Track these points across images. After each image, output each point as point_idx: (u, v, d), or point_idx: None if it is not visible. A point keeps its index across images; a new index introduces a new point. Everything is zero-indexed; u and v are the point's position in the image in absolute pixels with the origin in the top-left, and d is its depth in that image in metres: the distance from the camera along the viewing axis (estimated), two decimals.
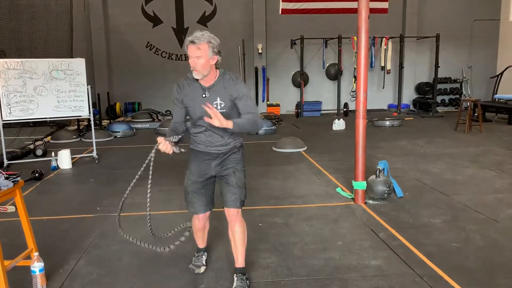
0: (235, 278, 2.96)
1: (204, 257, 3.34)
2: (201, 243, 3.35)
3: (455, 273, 3.15)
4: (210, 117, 2.58)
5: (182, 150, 2.75)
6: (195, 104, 2.77)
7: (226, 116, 2.65)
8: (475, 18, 15.08)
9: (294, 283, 3.05)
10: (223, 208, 2.95)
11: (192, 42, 2.63)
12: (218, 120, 2.55)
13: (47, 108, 6.84)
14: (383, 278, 3.10)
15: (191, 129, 2.94)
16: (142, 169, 2.74)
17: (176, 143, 2.72)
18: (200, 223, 3.10)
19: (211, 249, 3.63)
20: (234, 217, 2.91)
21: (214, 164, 2.91)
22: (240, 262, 2.97)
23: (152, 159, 2.74)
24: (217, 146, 2.87)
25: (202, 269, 3.26)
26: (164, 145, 2.67)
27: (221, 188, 2.95)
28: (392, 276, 3.13)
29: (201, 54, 2.63)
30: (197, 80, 2.78)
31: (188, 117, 2.93)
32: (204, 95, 2.75)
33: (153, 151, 2.73)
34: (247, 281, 2.96)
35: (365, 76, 4.60)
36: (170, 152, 2.71)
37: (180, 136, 2.78)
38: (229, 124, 2.59)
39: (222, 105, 2.76)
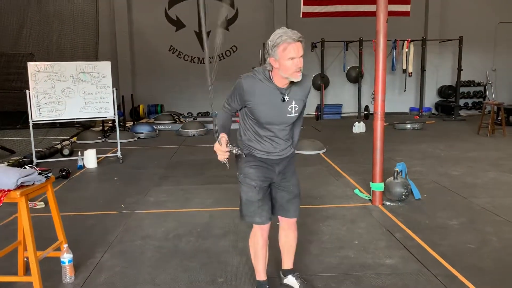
0: (294, 279, 3.00)
1: None
2: (263, 269, 2.89)
3: (470, 273, 3.19)
4: (285, 124, 2.59)
5: (239, 152, 2.62)
6: (272, 108, 2.52)
7: (296, 119, 2.64)
8: (499, 21, 14.87)
9: (310, 279, 3.13)
10: (280, 216, 2.87)
11: (299, 40, 2.41)
12: None
13: (74, 109, 7.09)
14: (397, 276, 3.17)
15: (253, 133, 2.65)
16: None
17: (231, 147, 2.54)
18: (264, 235, 2.78)
19: (231, 246, 3.75)
20: (293, 225, 2.91)
21: (278, 170, 2.71)
22: (291, 264, 3.03)
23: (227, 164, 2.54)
24: (279, 152, 2.68)
25: None
26: (223, 156, 2.48)
27: (278, 196, 2.78)
28: (406, 275, 3.19)
29: (303, 52, 2.44)
30: (270, 80, 2.52)
31: (251, 119, 2.61)
32: (283, 99, 2.53)
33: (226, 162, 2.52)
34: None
35: (383, 78, 4.66)
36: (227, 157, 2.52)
37: (239, 152, 2.62)
38: None
39: (296, 109, 2.59)
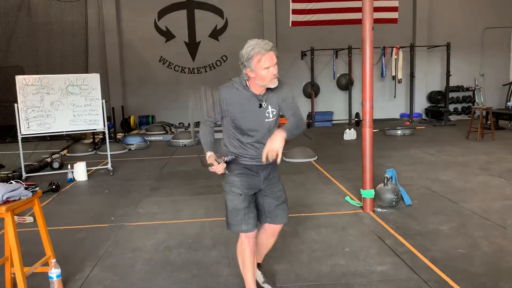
0: (259, 273, 3.15)
1: None
2: (252, 279, 2.90)
3: (460, 277, 3.20)
4: (264, 129, 2.63)
5: (231, 158, 2.65)
6: (250, 115, 2.62)
7: (274, 122, 2.68)
8: (485, 26, 15.07)
9: None
10: (268, 223, 2.87)
11: (269, 49, 2.52)
12: (278, 152, 2.47)
13: (63, 122, 7.06)
14: (388, 283, 3.16)
15: (236, 141, 2.70)
16: None
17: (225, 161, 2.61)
18: (251, 243, 2.81)
19: (222, 257, 3.73)
20: (277, 231, 2.95)
21: (263, 177, 2.75)
22: (261, 259, 3.20)
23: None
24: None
25: None
26: (218, 168, 2.55)
27: (266, 203, 2.81)
28: (397, 281, 3.19)
29: (276, 59, 2.58)
30: (247, 88, 2.63)
31: (232, 127, 2.68)
32: (261, 106, 2.64)
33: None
34: None
35: (371, 86, 4.70)
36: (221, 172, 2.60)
37: (232, 157, 2.66)
38: (283, 137, 2.50)
39: (274, 113, 2.68)
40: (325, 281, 3.24)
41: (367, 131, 4.73)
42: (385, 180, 4.95)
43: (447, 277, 3.21)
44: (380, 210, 4.88)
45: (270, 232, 2.94)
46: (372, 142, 4.78)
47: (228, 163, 2.63)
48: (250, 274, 2.87)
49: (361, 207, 4.99)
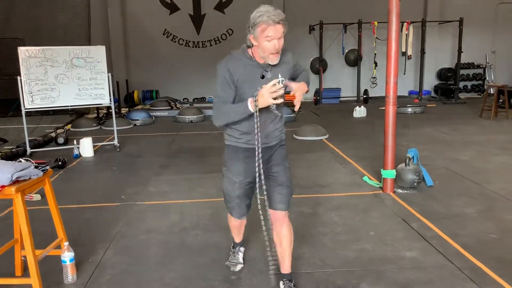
0: (282, 286, 2.69)
1: (241, 254, 3.14)
2: (238, 238, 3.11)
3: (496, 265, 3.02)
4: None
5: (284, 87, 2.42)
6: (253, 86, 2.36)
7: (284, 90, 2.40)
8: (499, 2, 14.61)
9: (329, 275, 2.95)
10: (269, 209, 2.62)
11: (278, 22, 2.23)
12: (299, 95, 2.42)
13: (68, 96, 6.81)
14: (420, 271, 2.99)
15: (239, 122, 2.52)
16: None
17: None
18: (237, 222, 2.89)
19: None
20: (282, 218, 2.63)
21: (262, 161, 2.44)
22: (287, 267, 2.70)
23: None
24: (266, 137, 2.51)
25: (239, 267, 3.05)
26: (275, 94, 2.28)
27: (266, 185, 2.48)
28: (429, 269, 3.01)
29: (282, 31, 2.28)
30: (252, 58, 2.40)
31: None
32: (263, 76, 2.40)
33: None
34: None
35: (396, 61, 4.43)
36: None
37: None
38: (305, 87, 2.52)
39: (283, 82, 2.43)
40: (353, 267, 3.06)
41: (391, 109, 4.50)
42: (407, 160, 4.74)
43: (482, 264, 3.03)
44: (401, 191, 4.69)
45: (274, 218, 2.61)
46: (395, 120, 4.56)
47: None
48: (234, 235, 3.11)
49: (380, 187, 4.80)
